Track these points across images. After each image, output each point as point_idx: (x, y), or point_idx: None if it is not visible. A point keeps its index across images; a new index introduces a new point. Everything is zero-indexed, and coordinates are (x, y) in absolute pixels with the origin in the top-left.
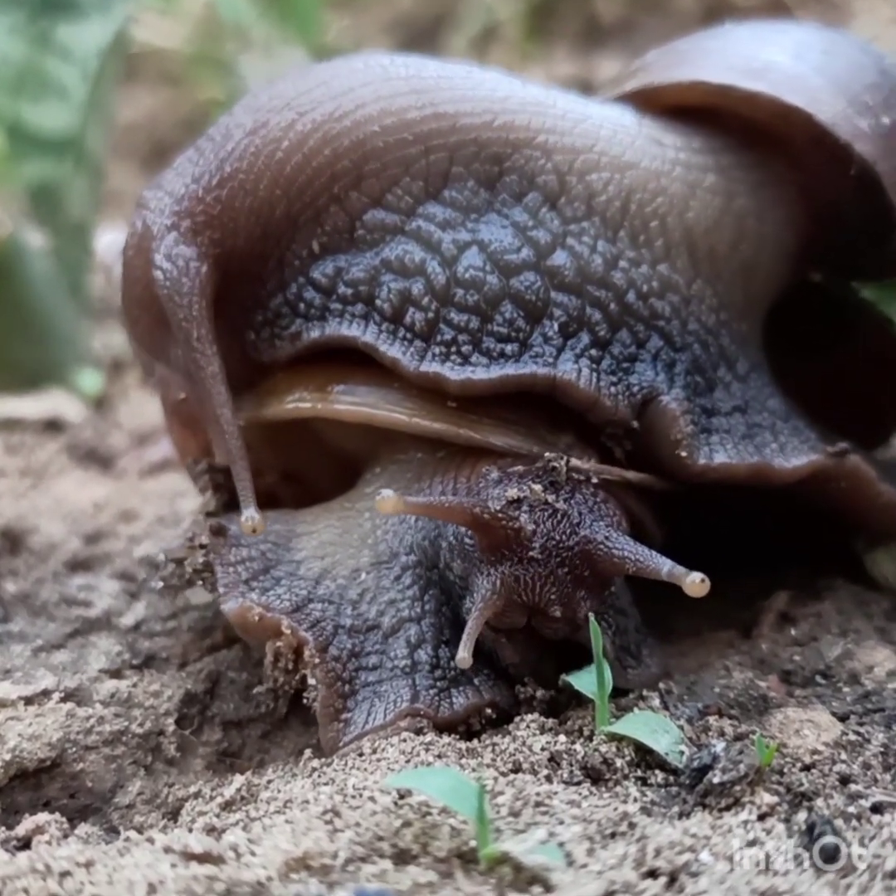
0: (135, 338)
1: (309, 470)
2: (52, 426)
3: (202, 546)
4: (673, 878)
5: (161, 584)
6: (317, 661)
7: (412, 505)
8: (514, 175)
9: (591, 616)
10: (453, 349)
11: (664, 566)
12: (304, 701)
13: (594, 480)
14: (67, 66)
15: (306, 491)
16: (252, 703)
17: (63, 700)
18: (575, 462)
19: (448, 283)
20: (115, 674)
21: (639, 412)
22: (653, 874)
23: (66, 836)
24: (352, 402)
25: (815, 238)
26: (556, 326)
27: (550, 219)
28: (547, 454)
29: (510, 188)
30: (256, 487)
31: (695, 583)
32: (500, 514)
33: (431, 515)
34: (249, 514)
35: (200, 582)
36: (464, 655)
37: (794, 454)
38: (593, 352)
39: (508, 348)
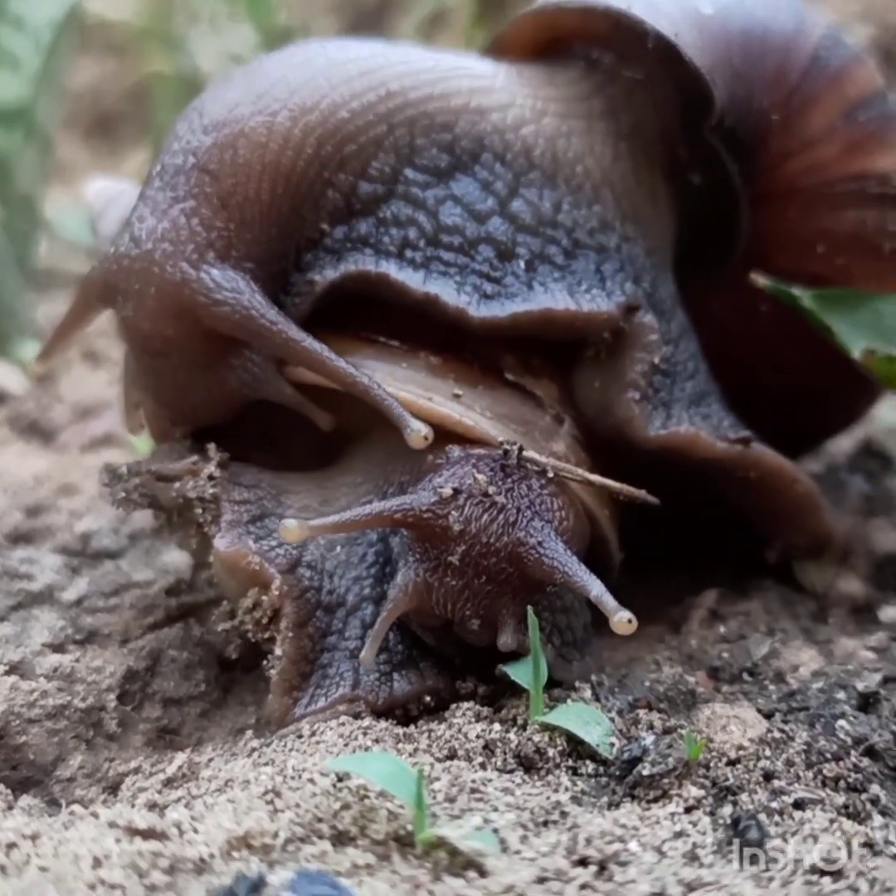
0: (189, 412)
1: (288, 440)
2: None
3: (211, 477)
4: (603, 867)
5: (123, 495)
6: (291, 635)
7: (320, 527)
8: (465, 140)
9: (530, 608)
10: (448, 275)
11: (593, 588)
12: (265, 663)
13: (550, 475)
14: (20, 37)
15: (279, 460)
16: (192, 682)
17: (6, 673)
18: (530, 453)
19: (436, 230)
20: (58, 648)
21: (624, 316)
22: (583, 862)
23: (10, 808)
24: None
25: (669, 139)
26: (522, 264)
27: (503, 172)
28: (500, 439)
29: (466, 151)
30: (230, 449)
31: (622, 621)
32: (426, 514)
33: (349, 531)
34: (418, 426)
35: (200, 511)
36: (365, 655)
37: (707, 435)
38: (556, 274)
39: (489, 288)
